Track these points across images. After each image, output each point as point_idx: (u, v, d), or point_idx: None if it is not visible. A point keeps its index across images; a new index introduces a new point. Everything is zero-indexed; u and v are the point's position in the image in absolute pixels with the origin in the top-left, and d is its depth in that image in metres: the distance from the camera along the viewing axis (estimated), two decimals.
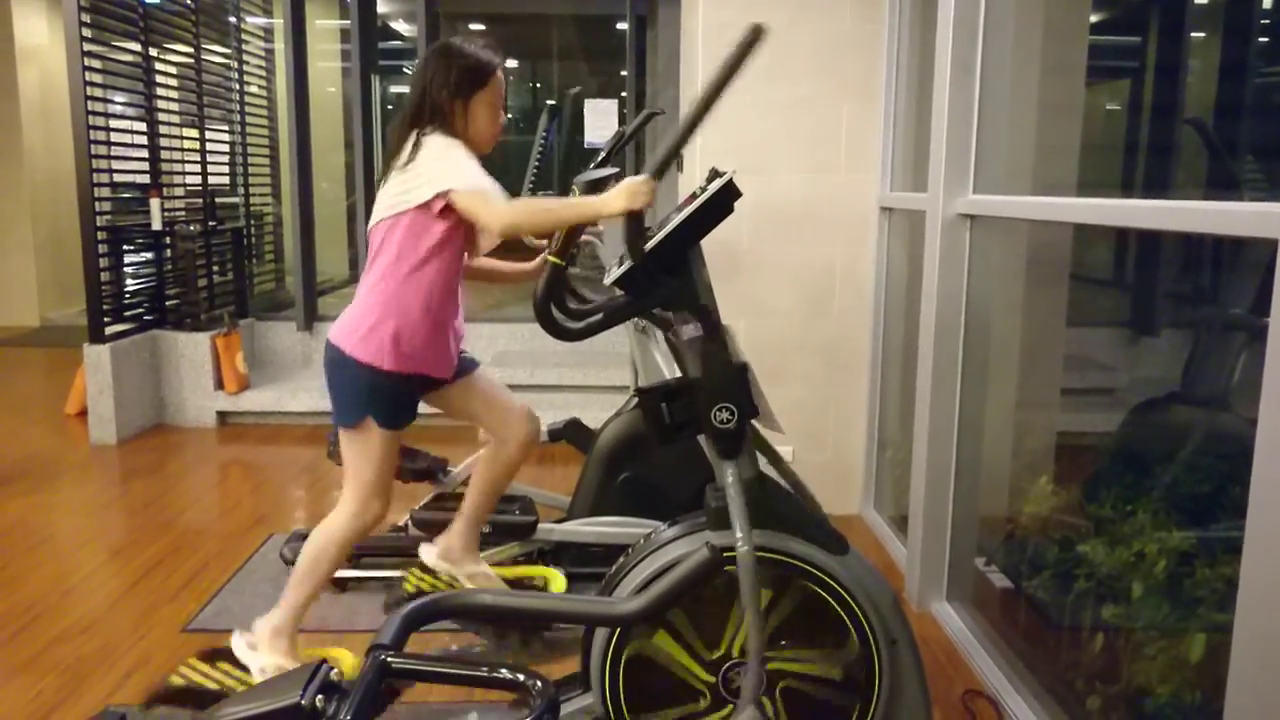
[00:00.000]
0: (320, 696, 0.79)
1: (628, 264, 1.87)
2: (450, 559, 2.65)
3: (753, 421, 1.89)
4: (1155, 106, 3.39)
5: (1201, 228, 1.86)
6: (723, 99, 1.78)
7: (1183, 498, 2.41)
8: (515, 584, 2.78)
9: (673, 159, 1.81)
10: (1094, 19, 3.43)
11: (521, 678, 0.78)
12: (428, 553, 2.68)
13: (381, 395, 2.26)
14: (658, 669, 1.91)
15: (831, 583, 1.87)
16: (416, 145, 2.20)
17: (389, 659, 0.80)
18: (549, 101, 9.30)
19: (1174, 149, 3.18)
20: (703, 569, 0.93)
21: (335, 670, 0.82)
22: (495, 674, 0.80)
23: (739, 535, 1.76)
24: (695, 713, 1.92)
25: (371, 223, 2.26)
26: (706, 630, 1.90)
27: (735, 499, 1.80)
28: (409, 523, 3.19)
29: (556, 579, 2.83)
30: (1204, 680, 2.02)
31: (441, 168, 2.15)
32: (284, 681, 0.81)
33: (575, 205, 2.02)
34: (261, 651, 2.32)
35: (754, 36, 1.85)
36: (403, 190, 2.19)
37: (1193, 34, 3.32)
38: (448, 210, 2.17)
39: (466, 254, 2.37)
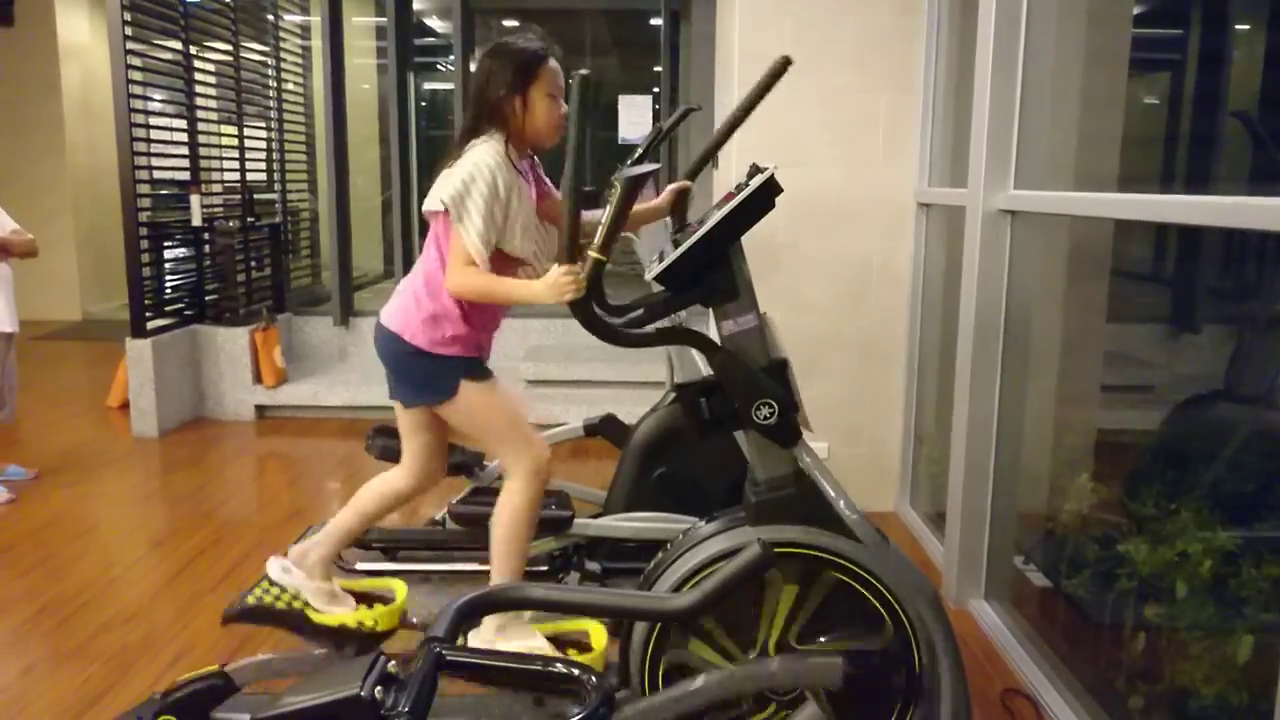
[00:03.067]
0: (379, 687, 0.80)
1: (669, 260, 1.88)
2: (301, 566, 2.51)
3: None
4: (1198, 98, 3.33)
5: (1248, 223, 1.83)
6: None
7: (1227, 496, 2.37)
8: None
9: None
10: (1136, 10, 3.38)
11: (576, 672, 0.79)
12: (274, 565, 2.52)
13: (458, 366, 2.32)
14: (758, 600, 1.90)
15: (872, 579, 1.86)
16: (472, 152, 2.24)
17: (444, 652, 0.81)
18: None
19: (1218, 142, 3.12)
20: (754, 565, 0.94)
21: (393, 662, 0.83)
22: (550, 669, 0.81)
23: (838, 500, 1.82)
24: (732, 655, 1.91)
25: (424, 207, 2.33)
26: (739, 632, 1.90)
27: (819, 474, 1.84)
28: (446, 517, 3.21)
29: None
30: (1251, 681, 1.99)
31: (457, 191, 2.17)
32: (342, 673, 0.83)
33: (516, 291, 2.16)
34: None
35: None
36: (437, 192, 2.24)
37: (1237, 25, 3.26)
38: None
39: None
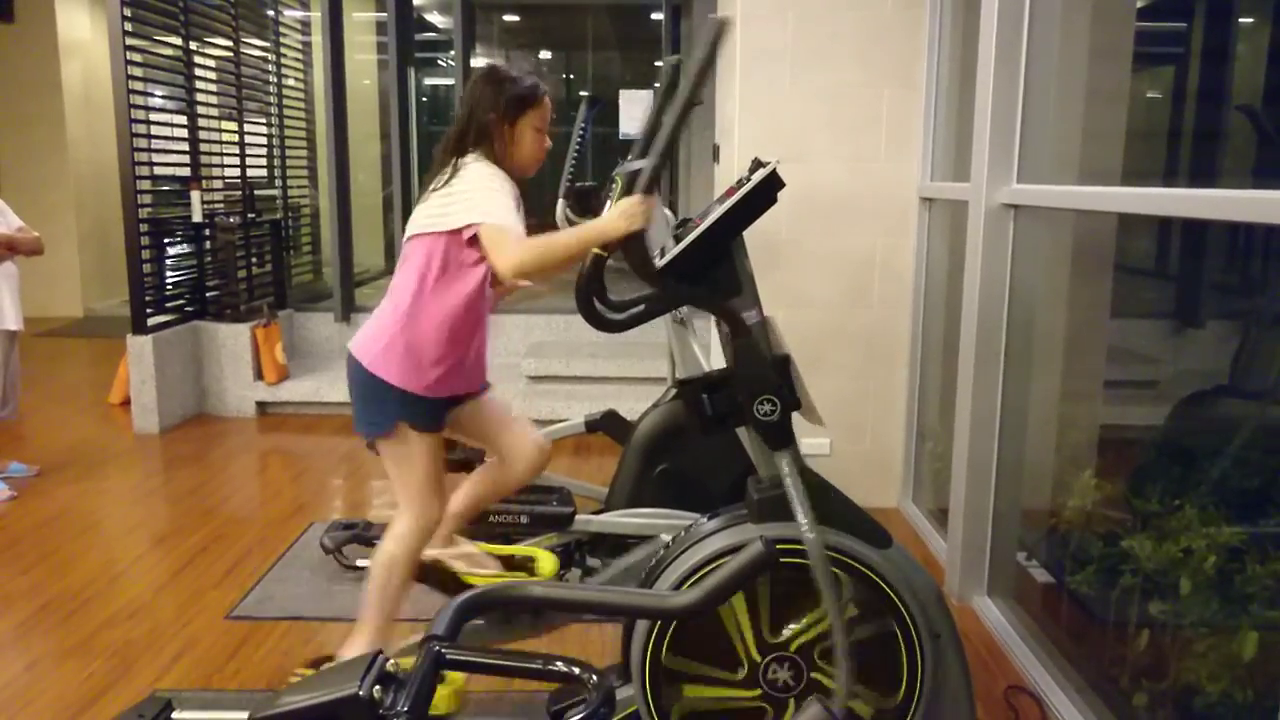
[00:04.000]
0: (377, 687, 0.79)
1: (670, 255, 1.87)
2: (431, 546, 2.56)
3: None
4: (1202, 93, 3.32)
5: (1251, 216, 1.82)
6: (701, 101, 1.77)
7: (1232, 492, 2.37)
8: (505, 561, 2.75)
9: (660, 171, 1.81)
10: (1139, 3, 3.37)
11: (576, 670, 0.78)
12: None
13: (412, 408, 2.27)
14: (716, 621, 1.89)
15: (874, 576, 1.86)
16: (456, 169, 2.23)
17: (444, 650, 0.81)
18: (583, 93, 9.30)
19: (1222, 136, 3.11)
20: (757, 563, 0.93)
21: (391, 661, 0.83)
22: (550, 666, 0.80)
23: (803, 524, 1.76)
24: (728, 680, 1.91)
25: (407, 234, 2.28)
26: (780, 613, 1.89)
27: (794, 489, 1.80)
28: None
29: (546, 559, 2.81)
30: (1256, 678, 1.98)
31: (478, 198, 2.16)
32: (341, 672, 0.82)
33: (578, 235, 2.02)
34: None
35: (718, 31, 1.85)
36: (439, 211, 2.21)
37: (1240, 19, 3.25)
38: (477, 239, 2.18)
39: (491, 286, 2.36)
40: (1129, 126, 2.96)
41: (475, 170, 2.22)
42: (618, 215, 1.89)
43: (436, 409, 2.33)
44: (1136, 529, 2.47)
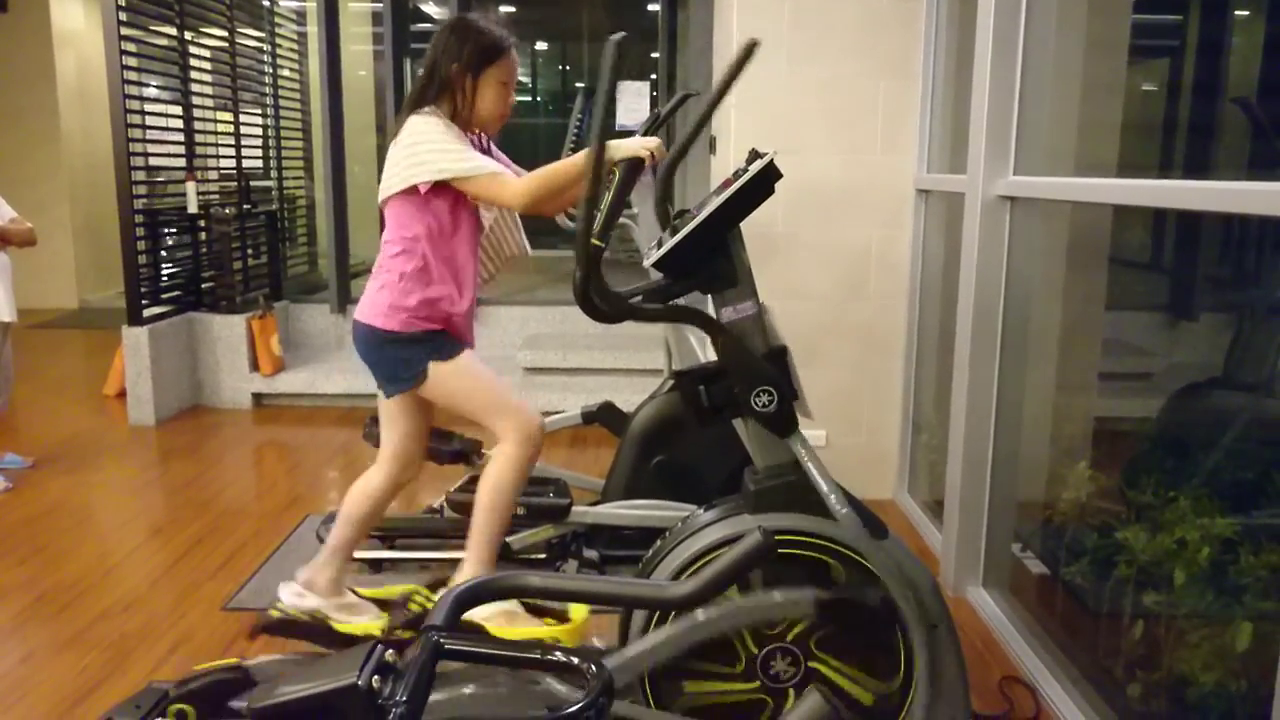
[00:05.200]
0: (376, 677, 0.79)
1: (667, 246, 1.86)
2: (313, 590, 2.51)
3: None
4: (1197, 85, 3.32)
5: (1245, 208, 1.82)
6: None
7: (1226, 484, 2.37)
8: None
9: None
10: None
11: (576, 660, 0.78)
12: (285, 591, 2.50)
13: (431, 345, 2.30)
14: None
15: (870, 567, 1.86)
16: (408, 123, 2.23)
17: (442, 640, 0.81)
18: (580, 84, 9.27)
19: (1217, 129, 3.11)
20: (755, 553, 0.93)
21: (390, 651, 0.83)
22: (549, 656, 0.80)
23: (831, 501, 1.81)
24: (727, 674, 1.91)
25: (380, 197, 2.30)
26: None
27: (813, 470, 1.81)
28: (444, 504, 3.20)
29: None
30: (1250, 669, 1.99)
31: (440, 154, 2.17)
32: (339, 662, 0.82)
33: (580, 157, 2.09)
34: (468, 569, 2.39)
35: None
36: (397, 170, 2.22)
37: (1237, 11, 3.25)
38: (437, 191, 2.20)
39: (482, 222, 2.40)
40: (1125, 119, 2.96)
41: (427, 124, 2.20)
42: (625, 142, 1.97)
43: (452, 341, 2.35)
44: (1131, 520, 2.47)
